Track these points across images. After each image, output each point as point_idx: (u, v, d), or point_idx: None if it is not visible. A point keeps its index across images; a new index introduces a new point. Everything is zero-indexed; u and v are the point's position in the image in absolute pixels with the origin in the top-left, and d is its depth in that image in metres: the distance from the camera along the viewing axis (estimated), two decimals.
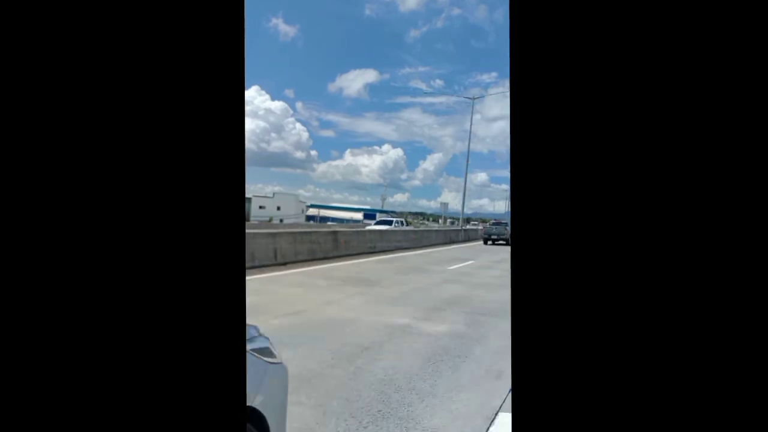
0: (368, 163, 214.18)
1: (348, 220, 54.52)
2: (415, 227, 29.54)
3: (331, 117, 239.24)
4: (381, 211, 67.69)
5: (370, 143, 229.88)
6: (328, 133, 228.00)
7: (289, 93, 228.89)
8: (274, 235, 9.92)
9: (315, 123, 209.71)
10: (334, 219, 56.29)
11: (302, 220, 53.10)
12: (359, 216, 60.64)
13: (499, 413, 2.90)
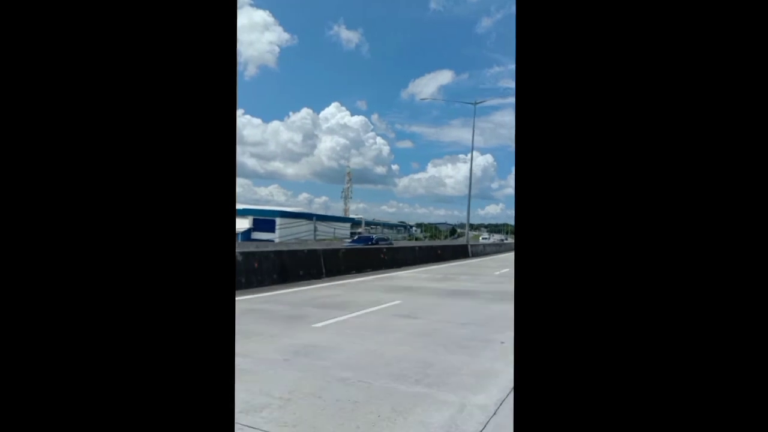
0: (453, 174, 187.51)
1: None
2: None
3: (414, 128, 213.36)
4: (293, 215, 44.69)
5: (455, 152, 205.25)
6: (406, 145, 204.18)
7: (362, 105, 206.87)
8: None
9: (391, 135, 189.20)
10: None
11: None
12: (245, 225, 39.02)
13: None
